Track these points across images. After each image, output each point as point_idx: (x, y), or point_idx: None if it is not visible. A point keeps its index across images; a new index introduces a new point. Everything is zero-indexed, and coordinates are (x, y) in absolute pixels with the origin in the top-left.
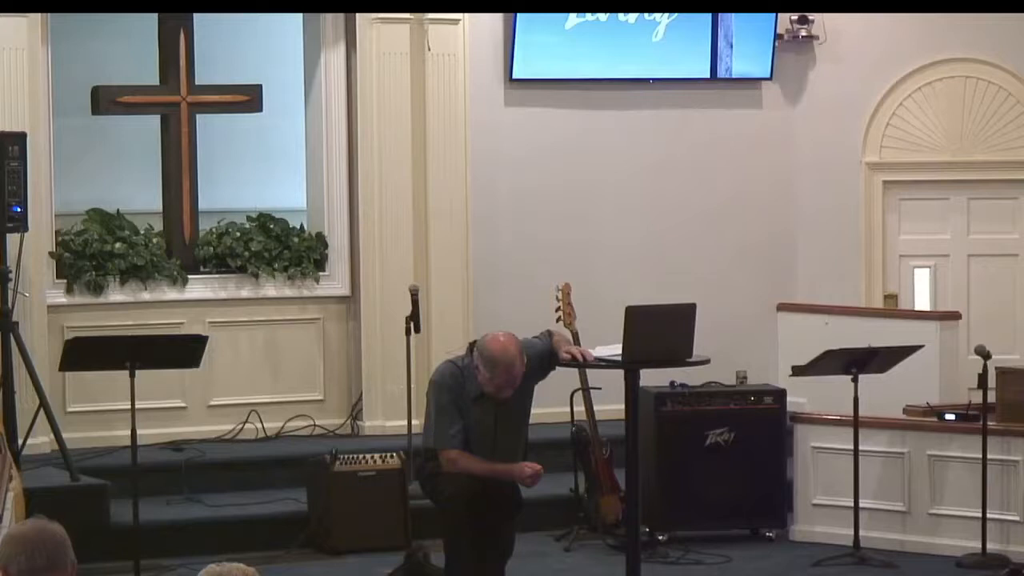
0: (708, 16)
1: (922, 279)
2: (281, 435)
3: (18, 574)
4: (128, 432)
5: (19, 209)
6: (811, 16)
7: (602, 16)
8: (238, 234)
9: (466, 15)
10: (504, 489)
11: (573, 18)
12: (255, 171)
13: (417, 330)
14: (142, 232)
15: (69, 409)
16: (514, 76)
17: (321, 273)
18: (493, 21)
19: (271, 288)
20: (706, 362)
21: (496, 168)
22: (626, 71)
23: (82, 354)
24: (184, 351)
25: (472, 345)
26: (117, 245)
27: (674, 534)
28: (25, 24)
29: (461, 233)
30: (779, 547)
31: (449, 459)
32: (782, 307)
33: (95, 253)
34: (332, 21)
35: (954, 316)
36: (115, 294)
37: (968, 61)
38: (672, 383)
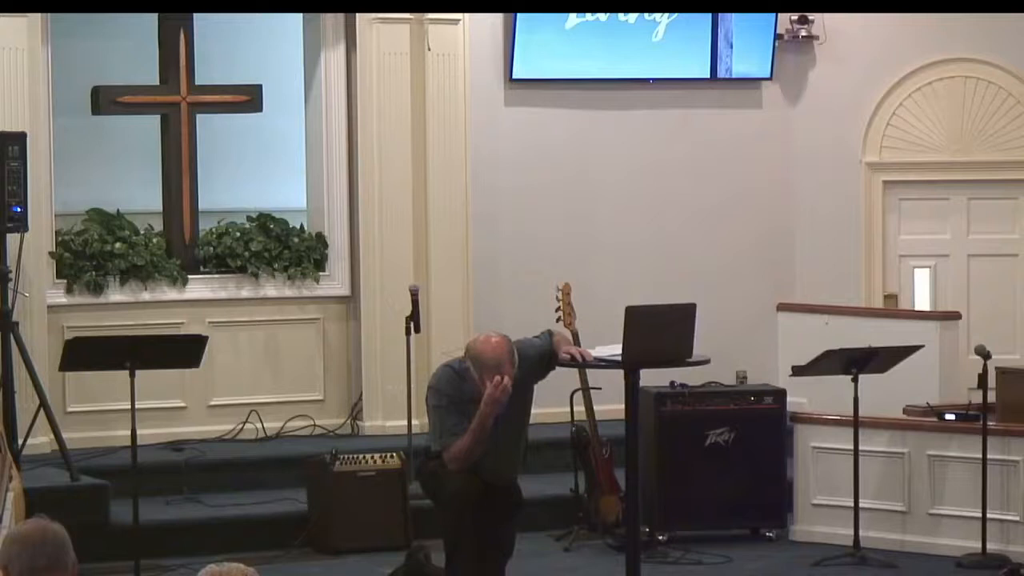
0: (708, 16)
1: (922, 279)
2: (281, 435)
3: (19, 574)
4: (128, 432)
5: (19, 209)
6: (811, 16)
7: (602, 16)
8: (238, 234)
9: (466, 15)
10: (504, 489)
11: (573, 18)
12: (255, 171)
13: (417, 330)
14: (142, 232)
15: (69, 409)
16: (514, 76)
17: (321, 273)
18: (493, 21)
19: (271, 288)
20: (706, 362)
21: (496, 168)
22: (626, 71)
23: (82, 354)
24: (184, 351)
25: (468, 346)
26: (117, 245)
27: (674, 534)
28: (25, 24)
29: (461, 233)
30: (779, 547)
31: (448, 456)
32: (782, 307)
33: (95, 253)
34: (332, 21)
35: (954, 316)
36: (115, 294)
37: (968, 61)
38: (672, 383)
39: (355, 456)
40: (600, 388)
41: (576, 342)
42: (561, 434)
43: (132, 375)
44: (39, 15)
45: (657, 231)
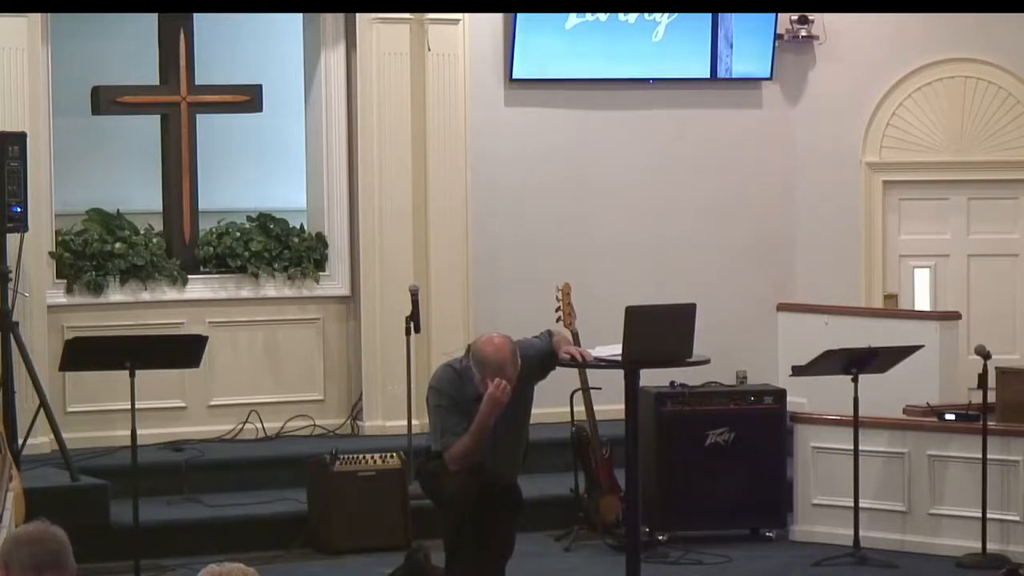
0: (708, 16)
1: (922, 279)
2: (281, 435)
3: (20, 571)
4: (128, 432)
5: (19, 209)
6: (811, 16)
7: (602, 16)
8: (238, 234)
9: (466, 15)
10: (504, 489)
11: (573, 18)
12: (255, 171)
13: (417, 330)
14: (142, 232)
15: (69, 409)
16: (514, 76)
17: (321, 273)
18: (493, 21)
19: (271, 288)
20: (706, 362)
21: (496, 168)
22: (626, 71)
23: (82, 354)
24: (184, 351)
25: (470, 347)
26: (117, 245)
27: (674, 534)
28: (25, 24)
29: (461, 233)
30: (779, 547)
31: (449, 457)
32: (782, 307)
33: (95, 253)
34: (332, 21)
35: (954, 316)
36: (115, 294)
37: (968, 61)
38: (672, 383)
39: (355, 456)
40: (600, 388)
41: (576, 342)
42: (561, 434)
43: (132, 375)
44: (39, 15)
45: (657, 231)
